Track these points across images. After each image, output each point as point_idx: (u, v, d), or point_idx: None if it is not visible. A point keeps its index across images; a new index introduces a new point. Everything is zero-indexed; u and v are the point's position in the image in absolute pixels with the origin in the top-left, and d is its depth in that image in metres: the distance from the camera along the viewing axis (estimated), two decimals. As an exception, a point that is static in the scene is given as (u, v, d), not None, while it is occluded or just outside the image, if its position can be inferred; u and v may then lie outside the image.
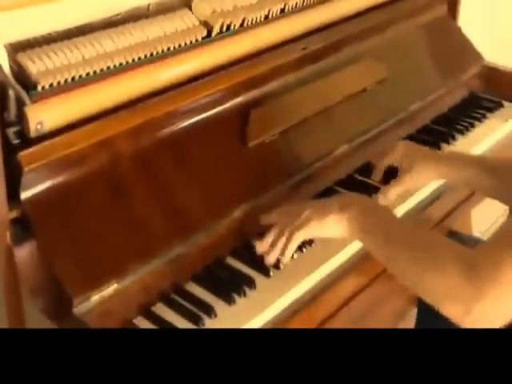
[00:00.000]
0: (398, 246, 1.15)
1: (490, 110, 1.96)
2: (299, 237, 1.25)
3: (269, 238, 1.28)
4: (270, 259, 1.28)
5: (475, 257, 1.04)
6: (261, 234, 1.31)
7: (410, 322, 1.79)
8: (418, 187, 1.53)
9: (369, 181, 1.58)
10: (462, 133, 1.84)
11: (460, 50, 2.03)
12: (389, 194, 1.47)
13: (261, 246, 1.29)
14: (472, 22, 2.15)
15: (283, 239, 1.25)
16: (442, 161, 1.49)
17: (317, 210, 1.25)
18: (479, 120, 1.91)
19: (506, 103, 2.00)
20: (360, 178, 1.62)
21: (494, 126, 1.90)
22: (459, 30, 2.07)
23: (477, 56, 2.04)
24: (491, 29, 2.70)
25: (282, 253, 1.26)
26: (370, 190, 1.54)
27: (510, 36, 2.95)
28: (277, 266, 1.30)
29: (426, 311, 1.68)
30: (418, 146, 1.57)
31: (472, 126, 1.88)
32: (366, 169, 1.62)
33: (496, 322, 1.02)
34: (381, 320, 1.90)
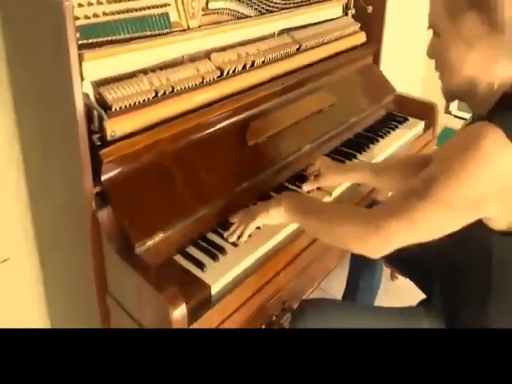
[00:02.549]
0: (317, 218, 1.13)
1: (400, 123, 1.94)
2: (253, 225, 1.22)
3: (232, 227, 1.25)
4: (230, 240, 1.24)
5: (373, 214, 1.03)
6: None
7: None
8: (329, 185, 1.48)
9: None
10: (382, 137, 1.82)
11: (381, 85, 2.00)
12: (304, 187, 1.45)
13: (226, 233, 1.25)
14: (389, 66, 2.13)
15: (241, 227, 1.23)
16: (340, 170, 1.47)
17: (263, 207, 1.22)
18: (393, 129, 1.89)
19: (410, 118, 1.97)
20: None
21: (403, 133, 1.88)
22: (381, 72, 2.05)
23: (392, 89, 2.02)
24: (401, 71, 2.68)
25: (241, 236, 1.23)
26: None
27: (414, 75, 2.94)
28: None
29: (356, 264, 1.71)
30: (328, 160, 1.53)
31: (389, 132, 1.86)
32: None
33: (381, 253, 1.03)
34: (330, 258, 1.91)
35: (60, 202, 1.25)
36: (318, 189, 1.48)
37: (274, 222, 1.22)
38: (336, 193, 1.48)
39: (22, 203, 1.39)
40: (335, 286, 1.97)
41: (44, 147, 1.23)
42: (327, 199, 1.46)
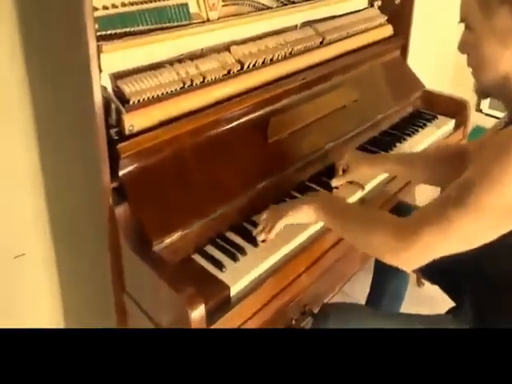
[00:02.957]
0: (349, 222, 1.14)
1: (429, 121, 1.94)
2: (281, 223, 1.23)
3: (261, 225, 1.26)
4: (259, 239, 1.25)
5: (405, 224, 1.03)
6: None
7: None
8: (360, 179, 1.49)
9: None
10: (409, 135, 1.83)
11: (408, 81, 2.01)
12: (333, 182, 1.47)
13: (255, 231, 1.27)
14: (417, 61, 2.14)
15: (269, 225, 1.23)
16: (370, 162, 1.48)
17: (292, 205, 1.23)
18: (422, 127, 1.89)
19: (439, 116, 1.97)
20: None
21: (431, 131, 1.88)
22: (408, 67, 2.05)
23: (420, 85, 2.02)
24: (430, 67, 2.68)
25: (269, 233, 1.24)
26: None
27: (444, 70, 2.93)
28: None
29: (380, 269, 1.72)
30: (357, 153, 1.55)
31: (417, 131, 1.86)
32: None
33: (415, 266, 1.03)
34: (353, 260, 1.92)
35: (77, 198, 1.28)
36: (350, 182, 1.49)
37: (302, 222, 1.23)
38: (367, 188, 1.50)
39: (38, 198, 1.43)
40: (358, 290, 1.98)
41: (61, 142, 1.26)
42: (359, 194, 1.47)
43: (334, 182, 1.48)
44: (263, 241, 1.24)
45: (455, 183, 0.99)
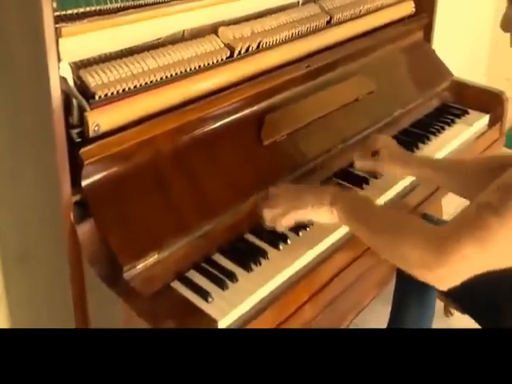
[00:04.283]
0: (376, 229, 1.16)
1: (458, 117, 1.94)
2: (294, 215, 1.24)
3: (272, 206, 1.27)
4: (267, 220, 1.27)
5: (439, 234, 1.04)
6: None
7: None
8: (382, 172, 1.53)
9: (359, 172, 1.58)
10: (434, 134, 1.83)
11: (434, 68, 2.01)
12: (357, 161, 1.52)
13: (266, 212, 1.27)
14: (444, 45, 2.14)
15: (281, 210, 1.24)
16: (404, 161, 1.50)
17: (315, 197, 1.24)
18: (449, 124, 1.90)
19: (470, 111, 1.98)
20: (352, 170, 1.60)
21: (461, 129, 1.88)
22: (433, 51, 2.06)
23: (447, 73, 2.03)
24: (459, 52, 2.68)
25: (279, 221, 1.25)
26: (361, 181, 1.55)
27: (476, 56, 2.93)
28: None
29: (403, 278, 1.70)
30: (393, 144, 1.56)
31: (443, 129, 1.87)
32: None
33: (451, 283, 1.04)
34: (367, 287, 1.92)
35: (31, 214, 1.28)
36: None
37: (321, 221, 1.25)
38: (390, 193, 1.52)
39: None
40: (373, 322, 1.97)
41: (18, 147, 1.25)
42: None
43: (358, 162, 1.51)
44: (247, 268, 1.25)
45: (495, 186, 1.01)
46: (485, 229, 0.97)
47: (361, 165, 1.51)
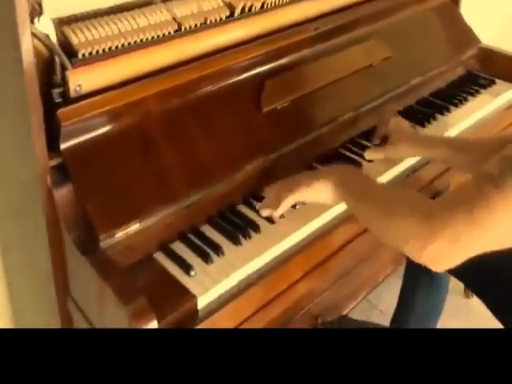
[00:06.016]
0: (370, 204, 1.12)
1: (484, 87, 1.88)
2: (290, 200, 1.22)
3: (267, 199, 1.27)
4: (263, 214, 1.25)
5: (434, 207, 1.00)
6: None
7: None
8: (396, 158, 1.50)
9: (368, 144, 1.55)
10: (456, 105, 1.77)
11: (460, 34, 1.94)
12: (367, 154, 1.48)
13: (259, 204, 1.27)
14: (473, 8, 2.06)
15: (276, 202, 1.23)
16: (416, 143, 1.47)
17: (306, 178, 1.22)
18: (473, 95, 1.84)
19: (498, 81, 1.91)
20: (360, 140, 1.57)
21: (487, 100, 1.82)
22: (460, 15, 1.98)
23: (475, 39, 1.95)
24: (489, 16, 2.59)
25: (275, 209, 1.23)
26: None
27: (507, 22, 2.85)
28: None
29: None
30: (405, 124, 1.53)
31: (466, 100, 1.81)
32: (367, 134, 1.58)
33: (445, 262, 1.00)
34: (379, 263, 1.88)
35: (8, 179, 1.27)
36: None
37: (316, 200, 1.22)
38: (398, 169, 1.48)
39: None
40: (388, 301, 1.96)
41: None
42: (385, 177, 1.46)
43: (369, 154, 1.48)
44: (235, 242, 1.22)
45: (497, 158, 0.98)
46: (484, 201, 0.94)
47: (372, 157, 1.49)
